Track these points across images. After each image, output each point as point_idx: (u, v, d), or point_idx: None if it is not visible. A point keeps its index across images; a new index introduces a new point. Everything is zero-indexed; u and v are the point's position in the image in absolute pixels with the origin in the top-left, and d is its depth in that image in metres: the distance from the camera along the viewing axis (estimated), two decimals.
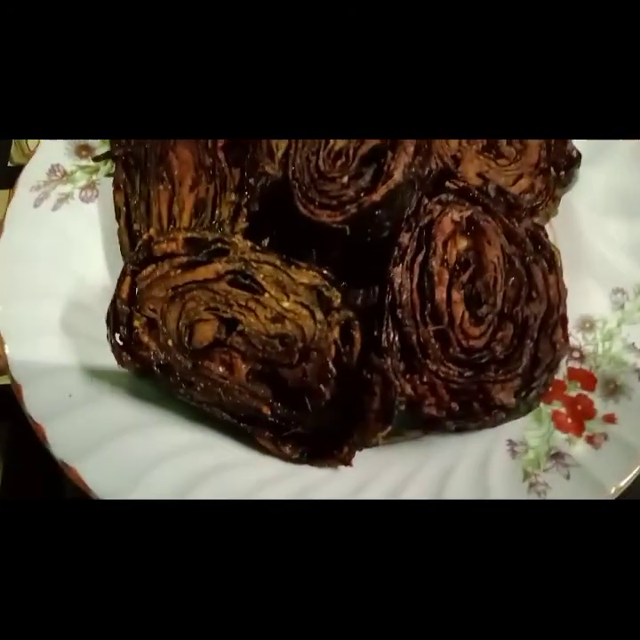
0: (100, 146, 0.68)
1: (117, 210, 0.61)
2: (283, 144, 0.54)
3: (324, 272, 0.51)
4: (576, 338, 0.59)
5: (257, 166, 0.53)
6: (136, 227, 0.59)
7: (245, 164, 0.55)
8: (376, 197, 0.50)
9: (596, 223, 0.65)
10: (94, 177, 0.67)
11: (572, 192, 0.67)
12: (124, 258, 0.59)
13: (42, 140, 0.68)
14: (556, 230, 0.66)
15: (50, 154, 0.67)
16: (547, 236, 0.59)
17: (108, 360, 0.52)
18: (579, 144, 0.66)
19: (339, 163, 0.53)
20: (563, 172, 0.66)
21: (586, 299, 0.60)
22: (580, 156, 0.66)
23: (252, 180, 0.53)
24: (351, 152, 0.53)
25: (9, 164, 0.79)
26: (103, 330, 0.52)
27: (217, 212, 0.57)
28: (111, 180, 0.64)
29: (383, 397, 0.47)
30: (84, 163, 0.67)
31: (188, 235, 0.50)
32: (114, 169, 0.64)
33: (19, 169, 0.68)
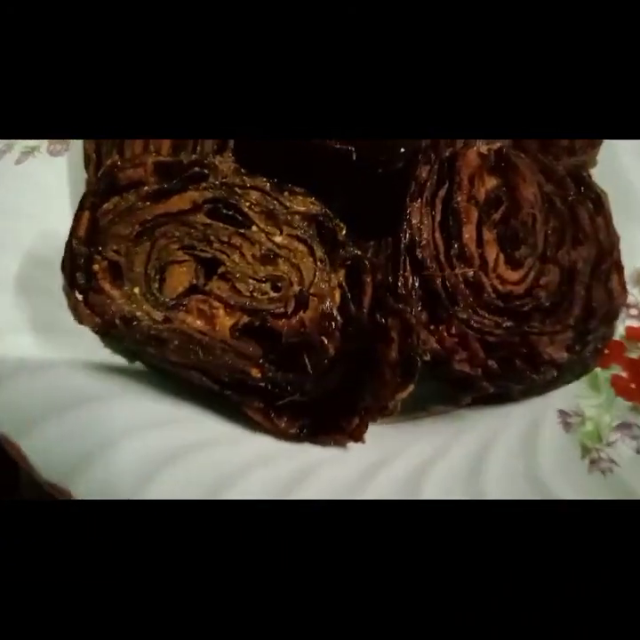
0: None
1: (87, 157, 0.53)
2: None
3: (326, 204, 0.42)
4: (633, 294, 0.49)
5: None
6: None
7: None
8: None
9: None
10: None
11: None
12: None
13: None
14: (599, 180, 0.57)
15: None
16: (590, 176, 0.50)
17: (67, 318, 0.43)
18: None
19: None
20: None
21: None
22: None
23: None
24: None
25: None
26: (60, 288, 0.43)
27: (199, 147, 0.48)
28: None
29: (402, 344, 0.37)
30: None
31: (159, 159, 0.41)
32: None
33: None
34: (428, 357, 0.38)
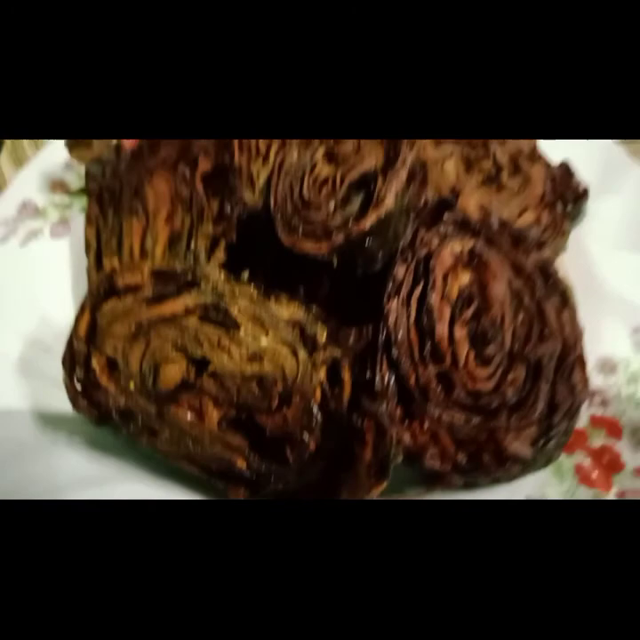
0: (76, 182, 0.64)
1: (88, 244, 0.56)
2: (264, 171, 0.50)
3: (309, 306, 0.45)
4: (597, 382, 0.52)
5: (235, 194, 0.48)
6: (106, 262, 0.54)
7: (223, 195, 0.50)
8: (365, 225, 0.45)
9: (609, 258, 0.60)
10: (67, 213, 0.62)
11: (581, 226, 0.62)
12: None
13: (17, 175, 0.65)
14: (566, 267, 0.61)
15: (22, 189, 0.63)
16: (557, 270, 0.53)
17: (66, 405, 0.46)
18: (586, 175, 0.62)
19: (324, 190, 0.48)
20: (570, 206, 0.61)
21: (604, 338, 0.55)
22: (586, 191, 0.61)
23: (228, 209, 0.48)
24: (339, 178, 0.48)
25: None
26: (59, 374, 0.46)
27: (193, 243, 0.51)
28: (83, 216, 0.59)
29: (376, 447, 0.40)
30: (57, 199, 0.63)
31: (155, 267, 0.45)
32: (88, 204, 0.60)
33: None
34: (400, 459, 0.41)
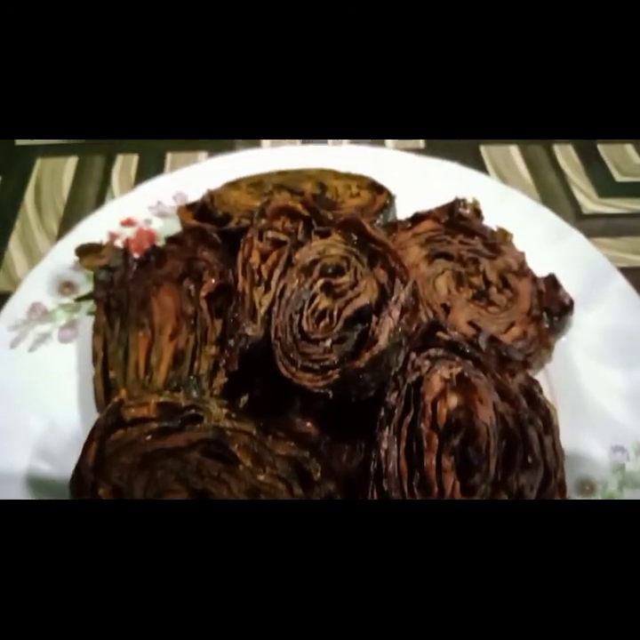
0: (84, 283, 0.67)
1: (95, 354, 0.59)
2: (266, 301, 0.53)
3: (306, 435, 0.48)
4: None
5: (238, 327, 0.51)
6: (112, 374, 0.57)
7: (227, 321, 0.53)
8: (360, 364, 0.48)
9: (592, 371, 0.63)
10: (75, 315, 0.65)
11: (567, 337, 0.65)
12: (97, 406, 0.56)
13: (27, 276, 0.67)
14: (551, 378, 0.64)
15: (31, 291, 0.66)
16: (541, 391, 0.56)
17: None
18: (570, 287, 0.65)
19: (322, 323, 0.51)
20: (556, 318, 0.64)
21: (584, 458, 0.57)
22: (572, 303, 0.64)
23: (231, 342, 0.50)
24: (335, 313, 0.51)
25: None
26: (65, 484, 0.49)
27: (196, 364, 0.54)
28: (92, 318, 0.62)
29: None
30: (65, 301, 0.66)
31: (161, 399, 0.47)
32: (96, 310, 0.62)
33: (3, 297, 0.67)
34: None
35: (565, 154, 0.96)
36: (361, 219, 0.55)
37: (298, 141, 0.88)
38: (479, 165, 0.92)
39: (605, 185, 0.92)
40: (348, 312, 0.51)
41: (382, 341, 0.49)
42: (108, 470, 0.47)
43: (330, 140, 0.88)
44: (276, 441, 0.46)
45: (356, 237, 0.55)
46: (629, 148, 0.98)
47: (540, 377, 0.63)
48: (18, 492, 0.54)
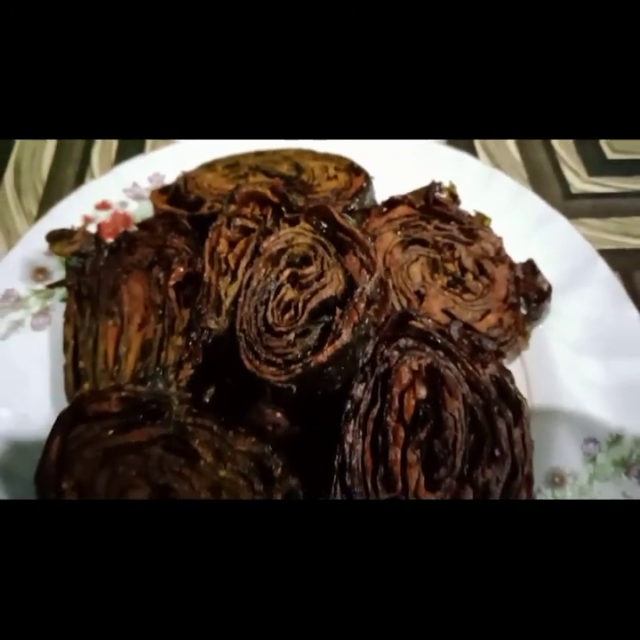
0: (58, 269, 0.66)
1: (65, 343, 0.59)
2: (232, 291, 0.52)
3: (274, 427, 0.48)
4: (545, 494, 0.55)
5: (201, 320, 0.50)
6: (81, 364, 0.57)
7: (191, 314, 0.52)
8: (322, 358, 0.48)
9: (570, 361, 0.62)
10: (48, 302, 0.65)
11: (545, 325, 0.65)
12: (67, 396, 0.56)
13: (1, 261, 0.67)
14: (527, 366, 0.63)
15: (4, 277, 0.65)
16: (513, 381, 0.56)
17: None
18: (550, 274, 0.64)
19: (287, 315, 0.51)
20: (534, 306, 0.63)
21: (556, 449, 0.57)
22: (550, 289, 0.63)
23: (194, 336, 0.50)
24: (300, 305, 0.50)
25: None
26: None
27: (163, 355, 0.54)
28: (64, 305, 0.62)
29: None
30: (38, 287, 0.65)
31: (123, 394, 0.47)
32: (67, 297, 0.62)
33: None
34: None
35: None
36: (330, 206, 0.53)
37: None
38: (468, 142, 0.90)
39: (596, 162, 0.90)
40: (313, 304, 0.50)
41: (345, 335, 0.48)
42: (71, 465, 0.47)
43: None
44: (237, 436, 0.46)
45: (324, 225, 0.54)
46: None
47: (515, 365, 0.63)
48: None
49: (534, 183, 0.86)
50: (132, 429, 0.47)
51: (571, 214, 0.80)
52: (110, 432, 0.47)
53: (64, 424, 0.48)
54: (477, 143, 0.90)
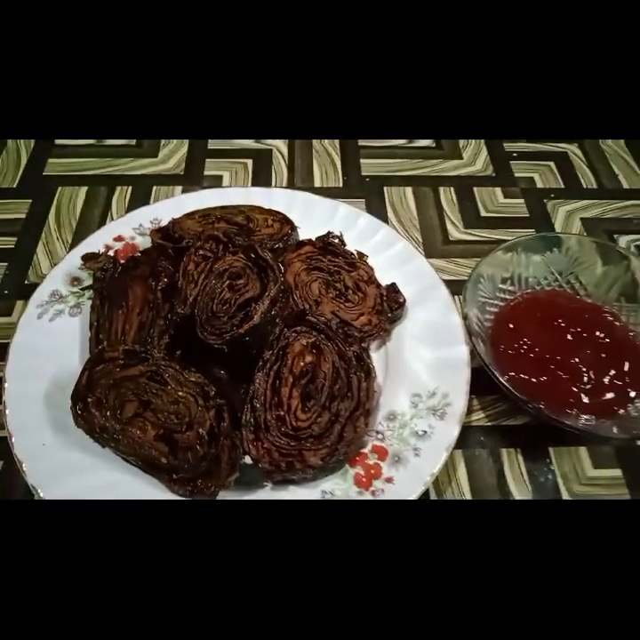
0: (87, 278, 1.01)
1: (91, 324, 0.93)
2: (194, 293, 0.87)
3: (208, 371, 0.82)
4: (382, 425, 0.88)
5: (174, 308, 0.85)
6: (101, 337, 0.91)
7: (169, 306, 0.87)
8: (241, 331, 0.82)
9: (413, 348, 0.96)
10: (80, 300, 0.99)
11: (401, 325, 0.99)
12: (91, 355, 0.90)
13: (49, 273, 1.02)
14: (388, 352, 0.97)
15: (52, 283, 1.00)
16: (368, 356, 0.89)
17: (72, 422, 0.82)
18: (406, 292, 0.98)
19: (225, 307, 0.85)
20: (393, 312, 0.97)
21: (395, 399, 0.90)
22: (405, 301, 0.98)
23: (170, 316, 0.85)
24: (233, 301, 0.85)
25: (26, 282, 1.12)
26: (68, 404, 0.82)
27: (151, 331, 0.88)
28: (90, 302, 0.96)
29: (230, 454, 0.76)
30: (74, 290, 1.00)
31: (126, 347, 0.82)
32: (93, 296, 0.97)
33: (33, 286, 1.01)
34: (243, 461, 0.77)
35: (447, 195, 1.29)
36: (256, 245, 0.89)
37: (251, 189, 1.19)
38: (382, 201, 1.25)
39: (471, 219, 1.25)
40: (240, 301, 0.85)
41: (256, 319, 0.82)
42: (93, 388, 0.81)
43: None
44: (190, 373, 0.80)
45: (252, 256, 0.89)
46: (498, 191, 1.31)
47: (380, 352, 0.97)
48: (40, 410, 0.87)
49: (424, 232, 1.21)
50: (130, 367, 0.81)
51: (447, 254, 1.16)
52: (117, 369, 0.81)
53: (90, 364, 0.82)
54: (388, 203, 1.26)
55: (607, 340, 0.92)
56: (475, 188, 1.31)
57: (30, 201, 1.22)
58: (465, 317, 0.91)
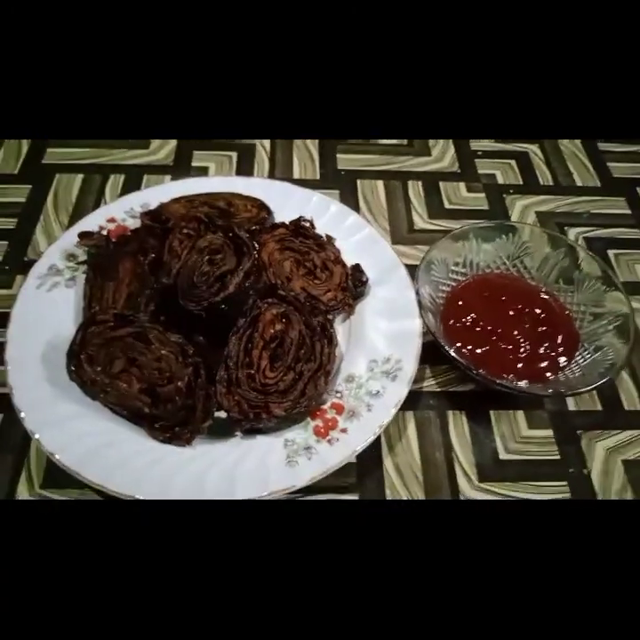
0: (82, 255, 1.12)
1: (85, 294, 1.04)
2: (177, 265, 0.98)
3: (188, 336, 0.93)
4: (342, 385, 0.99)
5: (159, 279, 0.96)
6: (93, 305, 1.02)
7: (156, 276, 0.98)
8: (217, 299, 0.93)
9: (373, 322, 1.07)
10: (75, 273, 1.10)
11: (365, 302, 1.10)
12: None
13: (47, 250, 1.13)
14: (352, 325, 1.08)
15: (50, 258, 1.10)
16: (332, 326, 1.01)
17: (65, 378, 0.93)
18: (369, 272, 1.10)
19: (204, 278, 0.96)
20: (357, 289, 1.09)
21: (354, 364, 1.01)
22: (368, 280, 1.09)
23: (156, 285, 0.96)
24: (211, 273, 0.96)
25: (25, 259, 1.22)
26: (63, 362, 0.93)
27: (139, 299, 0.99)
28: (84, 275, 1.07)
29: (205, 404, 0.88)
30: (70, 264, 1.11)
31: (116, 311, 0.93)
32: (87, 269, 1.08)
33: (32, 262, 1.12)
34: (215, 410, 0.88)
35: (415, 189, 1.40)
36: (234, 225, 1.00)
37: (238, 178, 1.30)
38: (354, 193, 1.37)
39: (436, 210, 1.37)
40: (217, 273, 0.96)
41: (231, 288, 0.93)
42: (87, 346, 0.92)
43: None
44: (172, 334, 0.92)
45: (230, 234, 1.00)
46: (462, 185, 1.42)
47: (345, 324, 1.07)
48: (38, 370, 0.98)
49: (392, 221, 1.33)
50: (119, 329, 0.92)
51: (412, 241, 1.28)
52: (108, 330, 0.92)
53: (83, 325, 0.93)
54: (360, 194, 1.37)
55: (544, 316, 1.04)
56: (440, 183, 1.42)
57: (30, 186, 1.29)
58: (417, 293, 1.03)
